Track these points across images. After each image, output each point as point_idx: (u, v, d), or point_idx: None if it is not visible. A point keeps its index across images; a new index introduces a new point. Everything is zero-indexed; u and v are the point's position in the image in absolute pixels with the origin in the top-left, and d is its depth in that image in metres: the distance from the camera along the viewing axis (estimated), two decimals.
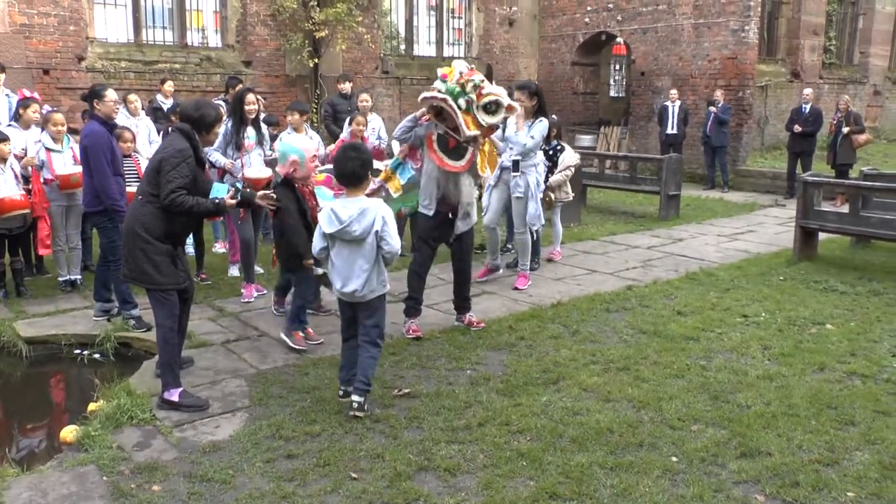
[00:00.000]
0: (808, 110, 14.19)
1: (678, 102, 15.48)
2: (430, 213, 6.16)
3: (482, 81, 5.83)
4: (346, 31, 15.00)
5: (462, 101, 5.77)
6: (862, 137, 13.51)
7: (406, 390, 4.99)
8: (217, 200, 4.89)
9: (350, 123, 9.13)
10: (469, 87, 5.77)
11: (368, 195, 6.63)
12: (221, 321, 6.50)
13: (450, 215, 6.17)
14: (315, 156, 6.12)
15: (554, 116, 8.81)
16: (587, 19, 18.77)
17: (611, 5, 18.20)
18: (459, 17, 19.22)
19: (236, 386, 5.09)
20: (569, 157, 8.80)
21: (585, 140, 17.94)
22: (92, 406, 4.78)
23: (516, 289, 7.56)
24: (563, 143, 9.02)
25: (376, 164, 6.16)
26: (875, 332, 6.28)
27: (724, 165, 15.48)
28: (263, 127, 7.57)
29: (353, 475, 3.89)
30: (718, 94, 15.27)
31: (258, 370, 5.37)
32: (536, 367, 5.41)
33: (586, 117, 19.67)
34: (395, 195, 6.40)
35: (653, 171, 13.36)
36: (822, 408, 4.75)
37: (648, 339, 6.06)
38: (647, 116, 17.60)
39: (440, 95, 5.77)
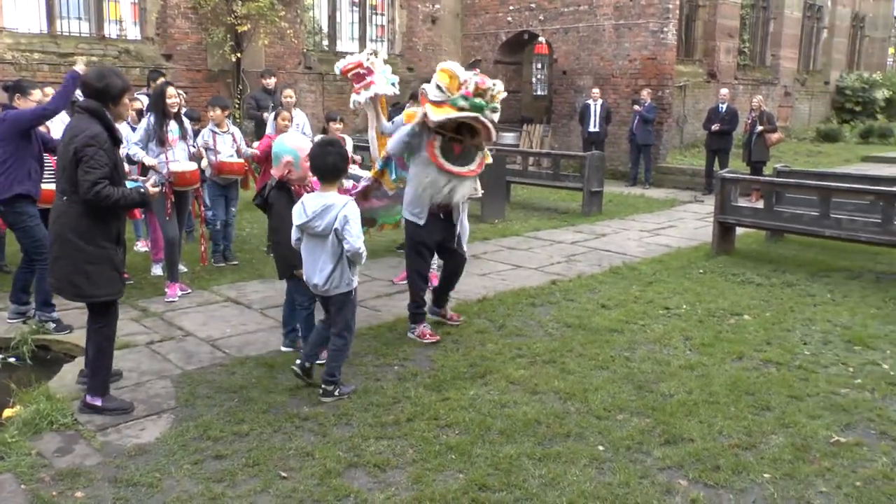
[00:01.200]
0: (724, 110, 14.63)
1: (600, 101, 15.77)
2: (422, 221, 5.90)
3: (494, 84, 5.69)
4: (269, 25, 14.82)
5: (489, 112, 5.67)
6: (775, 136, 14.01)
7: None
8: (142, 189, 4.75)
9: (275, 119, 9.04)
10: (488, 97, 5.64)
11: (363, 191, 6.46)
12: (145, 321, 6.36)
13: (441, 216, 6.00)
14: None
15: None
16: (509, 18, 18.95)
17: (533, 5, 18.41)
18: (382, 14, 19.17)
19: (162, 387, 4.99)
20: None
21: (509, 137, 18.12)
22: (8, 412, 4.59)
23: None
24: None
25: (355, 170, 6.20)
26: (788, 321, 6.53)
27: (648, 163, 15.86)
28: (185, 121, 7.44)
29: (283, 474, 3.87)
30: (644, 94, 15.62)
31: (184, 371, 5.28)
32: (463, 361, 5.47)
33: (509, 115, 19.86)
34: (390, 192, 6.50)
35: (575, 168, 13.60)
36: (741, 395, 4.93)
37: (573, 332, 6.18)
38: (570, 115, 17.88)
39: (471, 115, 5.57)
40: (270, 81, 11.33)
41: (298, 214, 4.75)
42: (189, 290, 7.20)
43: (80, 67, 6.18)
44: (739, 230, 9.56)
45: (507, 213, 11.72)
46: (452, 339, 5.96)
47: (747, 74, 21.38)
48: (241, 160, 8.17)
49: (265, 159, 8.50)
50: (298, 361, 5.00)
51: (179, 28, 14.71)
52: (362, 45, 18.35)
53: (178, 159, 7.01)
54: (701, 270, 8.35)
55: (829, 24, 26.16)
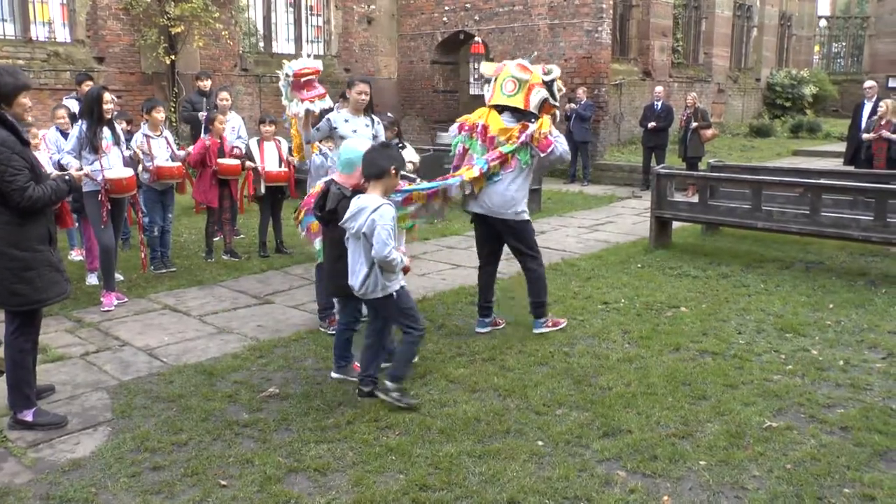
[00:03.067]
0: (659, 107, 14.88)
1: None
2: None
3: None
4: (203, 27, 14.64)
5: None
6: (709, 132, 14.31)
7: (272, 390, 4.95)
8: (67, 178, 4.62)
9: (206, 122, 8.95)
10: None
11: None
12: (80, 332, 6.22)
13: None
14: None
15: (390, 114, 8.73)
16: (445, 18, 19.03)
17: (468, 5, 18.51)
18: (318, 15, 19.08)
19: (97, 399, 4.89)
20: (409, 156, 8.73)
21: (447, 137, 18.17)
22: None
23: None
24: (404, 142, 8.88)
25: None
26: (724, 312, 6.69)
27: (586, 160, 16.03)
28: (117, 125, 7.30)
29: (223, 482, 3.82)
30: (580, 92, 15.80)
31: (120, 381, 5.17)
32: None
33: (447, 115, 19.93)
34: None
35: None
36: (678, 385, 5.03)
37: (513, 329, 6.24)
38: None
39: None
40: (206, 84, 11.17)
41: (346, 213, 4.66)
42: (125, 299, 7.07)
43: None
44: (676, 224, 9.74)
45: (446, 212, 11.69)
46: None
47: (681, 72, 21.80)
48: (178, 163, 8.05)
49: (201, 163, 8.42)
50: (384, 388, 4.78)
51: (111, 30, 14.43)
52: (298, 47, 18.25)
53: (113, 166, 6.86)
54: (639, 265, 8.49)
55: (759, 23, 26.84)
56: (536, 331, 6.11)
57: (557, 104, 6.16)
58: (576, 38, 16.94)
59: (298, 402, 4.78)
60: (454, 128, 6.41)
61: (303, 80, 6.49)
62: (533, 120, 5.90)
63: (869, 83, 12.99)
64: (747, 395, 4.89)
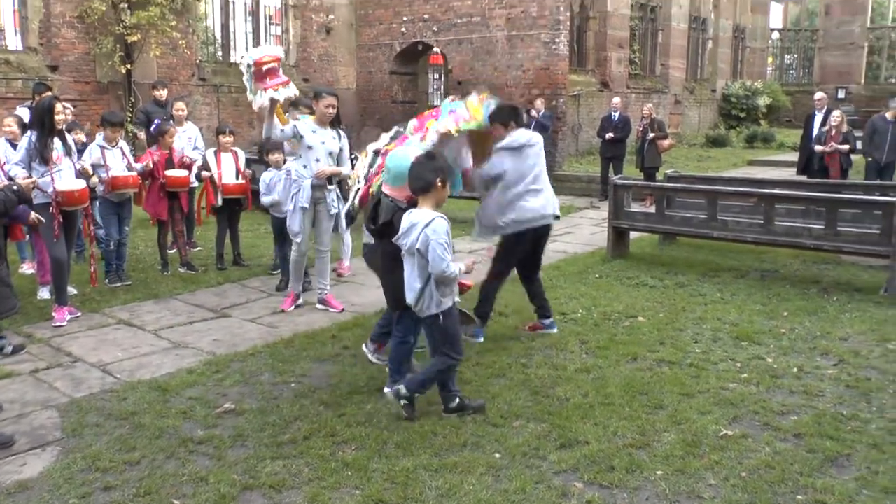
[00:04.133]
0: (617, 118, 15.00)
1: None
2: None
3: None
4: (160, 35, 14.48)
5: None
6: (666, 142, 14.47)
7: (228, 406, 4.88)
8: (15, 188, 4.52)
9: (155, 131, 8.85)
10: None
11: None
12: (30, 348, 6.07)
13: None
14: None
15: (342, 126, 8.64)
16: (403, 29, 19.06)
17: (426, 16, 18.56)
18: (277, 24, 19.00)
19: (47, 418, 4.77)
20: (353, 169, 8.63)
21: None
22: None
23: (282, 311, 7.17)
24: (356, 154, 8.75)
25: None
26: (681, 321, 6.75)
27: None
28: (69, 136, 7.17)
29: (176, 502, 3.75)
30: (539, 103, 15.88)
31: (72, 399, 5.06)
32: (361, 375, 5.43)
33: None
34: None
35: None
36: (635, 395, 5.06)
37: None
38: None
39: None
40: (162, 93, 11.02)
41: (400, 229, 4.58)
42: (78, 314, 6.93)
43: None
44: (634, 234, 9.83)
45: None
46: (351, 354, 5.91)
47: (638, 83, 22.07)
48: (134, 174, 7.93)
49: (149, 174, 8.30)
50: (397, 391, 4.70)
51: (65, 38, 14.19)
52: None
53: (64, 177, 6.72)
54: (597, 275, 8.55)
55: (714, 35, 27.29)
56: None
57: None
58: (533, 50, 17.07)
59: (254, 418, 4.72)
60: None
61: (264, 68, 6.37)
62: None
63: (819, 95, 13.28)
64: (703, 403, 4.93)
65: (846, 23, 29.15)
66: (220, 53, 18.03)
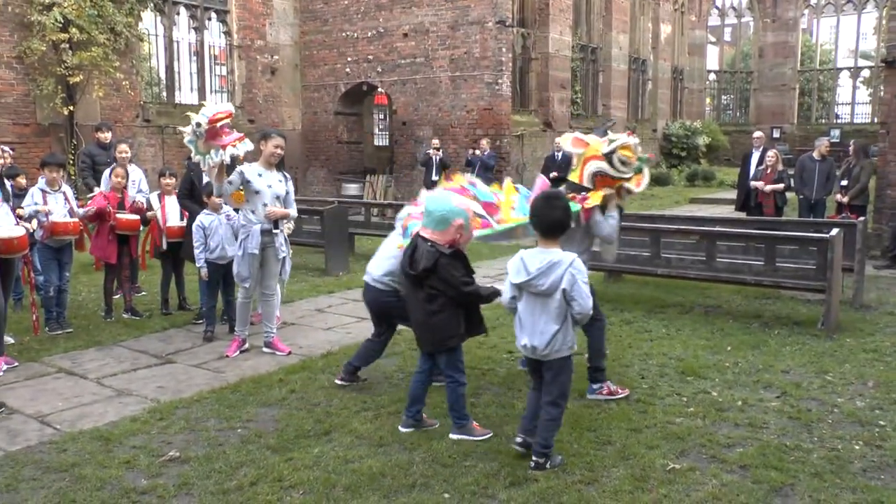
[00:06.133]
0: (560, 157, 15.24)
1: (440, 150, 16.14)
2: None
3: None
4: (103, 76, 14.33)
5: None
6: None
7: (173, 453, 4.77)
8: None
9: (110, 176, 8.71)
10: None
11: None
12: None
13: None
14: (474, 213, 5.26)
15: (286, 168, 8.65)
16: (348, 70, 19.20)
17: (370, 57, 18.73)
18: (223, 64, 18.98)
19: None
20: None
21: (352, 189, 18.22)
22: None
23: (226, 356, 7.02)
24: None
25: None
26: (627, 357, 6.82)
27: None
28: (6, 182, 7.03)
29: None
30: (483, 143, 16.10)
31: (7, 452, 4.88)
32: (308, 419, 5.36)
33: (351, 166, 20.00)
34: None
35: None
36: (583, 431, 5.08)
37: None
38: (411, 164, 18.17)
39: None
40: (106, 135, 10.88)
41: (517, 271, 4.49)
42: (16, 364, 6.71)
43: None
44: None
45: (350, 264, 11.64)
46: (297, 397, 5.84)
47: (581, 123, 22.45)
48: (76, 219, 7.78)
49: (99, 217, 8.17)
50: (519, 440, 4.67)
51: (3, 79, 13.95)
52: (202, 96, 18.07)
53: (1, 224, 6.56)
54: None
55: (653, 76, 28.03)
56: (590, 396, 5.82)
57: (623, 174, 5.77)
58: (477, 91, 17.33)
59: (200, 465, 4.61)
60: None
61: (219, 125, 6.33)
62: (585, 192, 5.75)
63: (757, 134, 13.70)
64: (651, 438, 4.98)
65: (778, 65, 30.21)
66: (164, 94, 17.90)
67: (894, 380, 6.21)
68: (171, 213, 8.52)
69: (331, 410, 5.52)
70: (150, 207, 8.62)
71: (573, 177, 5.84)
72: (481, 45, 17.19)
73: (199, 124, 6.32)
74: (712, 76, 34.64)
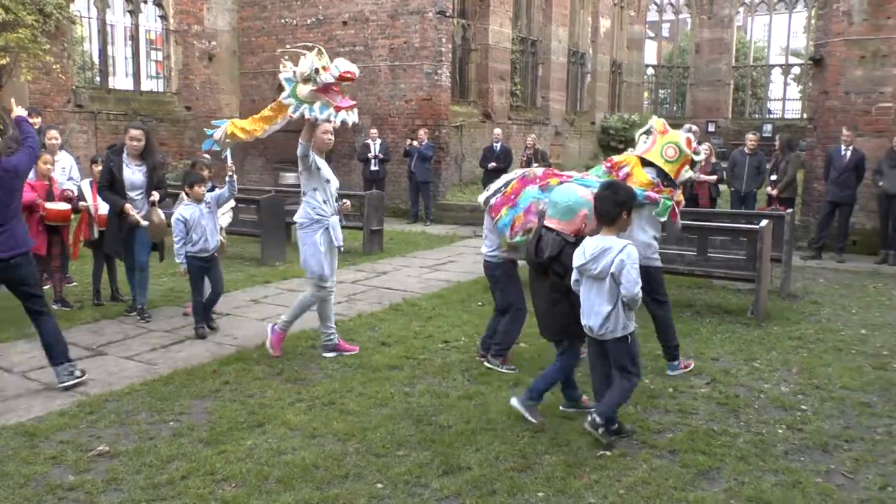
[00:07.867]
0: (499, 148, 15.38)
1: (379, 140, 16.08)
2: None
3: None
4: (32, 59, 13.87)
5: None
6: None
7: (101, 448, 4.67)
8: None
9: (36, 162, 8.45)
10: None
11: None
12: None
13: None
14: None
15: (206, 156, 8.38)
16: (287, 57, 18.94)
17: (309, 44, 18.50)
18: (159, 49, 18.59)
19: None
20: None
21: (290, 178, 17.99)
22: None
23: None
24: (214, 185, 8.35)
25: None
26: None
27: (427, 200, 16.30)
28: None
29: None
30: (422, 133, 16.10)
31: None
32: (242, 410, 5.31)
33: (289, 155, 19.69)
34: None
35: (356, 208, 13.69)
36: (517, 420, 5.12)
37: (353, 372, 6.19)
38: (350, 154, 18.05)
39: None
40: (36, 121, 10.55)
41: (578, 256, 4.75)
42: None
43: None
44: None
45: (287, 255, 11.54)
46: (231, 389, 5.78)
47: (520, 115, 22.59)
48: None
49: (25, 209, 7.90)
50: (590, 418, 4.80)
51: None
52: (137, 82, 17.64)
53: None
54: (479, 303, 8.66)
55: (592, 69, 28.29)
56: (671, 373, 6.23)
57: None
58: (416, 80, 17.31)
59: (130, 460, 4.53)
60: (602, 165, 6.63)
61: (341, 84, 5.93)
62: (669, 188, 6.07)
63: (693, 128, 13.95)
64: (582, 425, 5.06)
65: (714, 61, 30.77)
66: (98, 79, 17.43)
67: (817, 366, 6.43)
68: (102, 201, 8.30)
69: (264, 402, 5.47)
70: (81, 196, 8.40)
71: (670, 169, 6.07)
72: (421, 34, 17.16)
73: (318, 71, 5.77)
74: (650, 70, 35.12)
